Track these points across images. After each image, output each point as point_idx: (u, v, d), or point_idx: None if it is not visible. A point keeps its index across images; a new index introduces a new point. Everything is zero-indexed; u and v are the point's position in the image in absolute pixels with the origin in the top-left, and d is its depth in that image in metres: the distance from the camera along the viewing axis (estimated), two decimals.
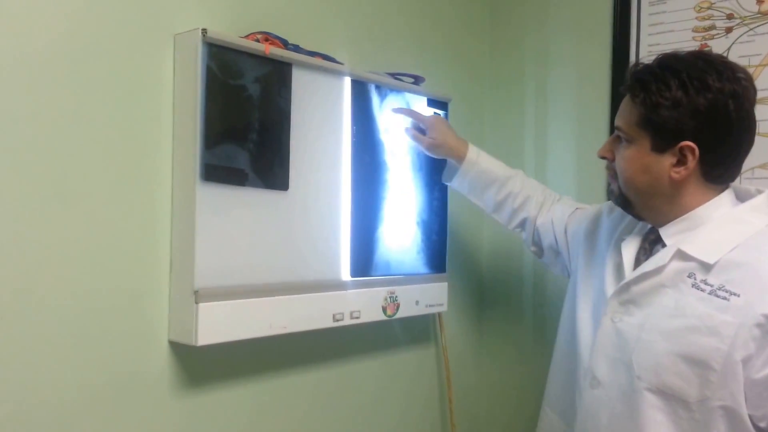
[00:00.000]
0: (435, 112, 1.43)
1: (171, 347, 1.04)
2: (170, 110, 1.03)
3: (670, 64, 0.98)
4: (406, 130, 1.35)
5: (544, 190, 1.36)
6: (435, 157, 1.36)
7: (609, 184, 1.09)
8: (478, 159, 1.32)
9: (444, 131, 1.33)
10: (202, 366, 1.08)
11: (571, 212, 1.29)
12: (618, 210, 1.16)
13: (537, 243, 1.34)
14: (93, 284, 0.95)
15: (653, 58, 1.03)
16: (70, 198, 0.93)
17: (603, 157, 1.08)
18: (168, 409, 1.04)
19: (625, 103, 1.03)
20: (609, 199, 1.12)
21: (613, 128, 1.48)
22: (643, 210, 1.05)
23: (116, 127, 0.97)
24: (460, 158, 1.32)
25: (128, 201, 0.99)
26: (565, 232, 1.28)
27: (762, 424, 0.90)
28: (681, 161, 0.97)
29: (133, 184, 0.99)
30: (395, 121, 1.33)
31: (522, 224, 1.34)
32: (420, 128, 1.35)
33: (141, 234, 1.00)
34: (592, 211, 1.25)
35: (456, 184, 1.35)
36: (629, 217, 1.13)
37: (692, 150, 0.95)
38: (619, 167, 1.04)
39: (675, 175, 0.98)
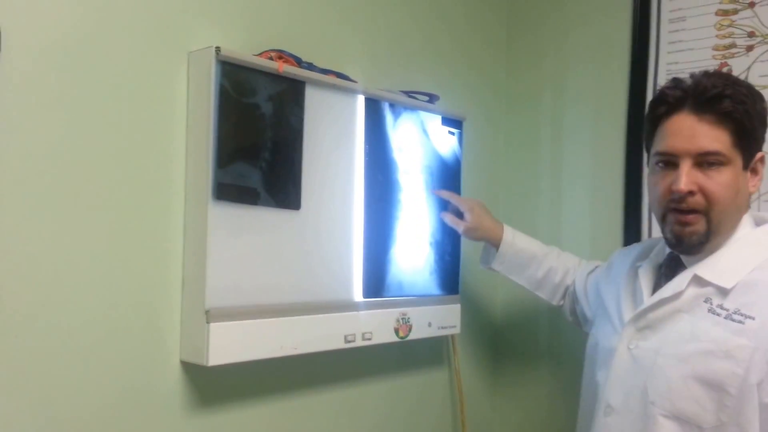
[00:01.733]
0: (449, 132, 1.41)
1: (182, 367, 1.03)
2: (183, 128, 1.03)
3: (729, 78, 0.96)
4: (443, 214, 1.35)
5: (581, 262, 1.35)
6: (472, 240, 1.37)
7: (689, 224, 0.95)
8: (514, 239, 1.32)
9: (481, 214, 1.34)
10: (214, 386, 1.07)
11: (591, 270, 1.29)
12: (629, 247, 1.18)
13: (572, 312, 1.34)
14: (105, 303, 0.95)
15: (692, 77, 0.97)
16: (82, 216, 0.92)
17: (689, 192, 0.94)
18: (179, 429, 1.03)
19: (705, 125, 0.94)
20: (684, 240, 0.98)
21: (630, 147, 1.48)
22: (713, 242, 0.97)
23: (129, 144, 0.97)
24: (497, 240, 1.32)
25: (140, 219, 0.98)
26: (585, 291, 1.27)
27: None
28: (754, 173, 0.98)
29: (146, 203, 0.99)
30: (408, 139, 1.32)
31: (564, 297, 1.35)
32: (457, 211, 1.35)
33: (153, 253, 1.00)
34: (606, 263, 1.26)
35: (496, 266, 1.34)
36: (639, 248, 1.13)
37: (762, 160, 0.97)
38: (716, 195, 0.94)
39: (753, 189, 0.98)
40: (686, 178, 0.94)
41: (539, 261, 1.32)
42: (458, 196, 1.38)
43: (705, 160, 0.94)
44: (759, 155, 0.97)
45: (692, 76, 0.98)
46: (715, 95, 0.93)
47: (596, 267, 1.29)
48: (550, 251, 1.35)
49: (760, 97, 0.96)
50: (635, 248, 1.17)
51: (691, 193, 0.94)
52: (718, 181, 0.94)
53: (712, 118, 0.93)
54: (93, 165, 0.93)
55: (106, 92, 0.94)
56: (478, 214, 1.33)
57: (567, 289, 1.33)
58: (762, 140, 0.96)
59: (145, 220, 0.99)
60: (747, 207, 1.00)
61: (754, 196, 1.07)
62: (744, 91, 0.95)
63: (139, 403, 0.98)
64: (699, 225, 0.95)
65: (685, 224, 0.96)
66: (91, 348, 0.93)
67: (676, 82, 0.99)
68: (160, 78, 1.00)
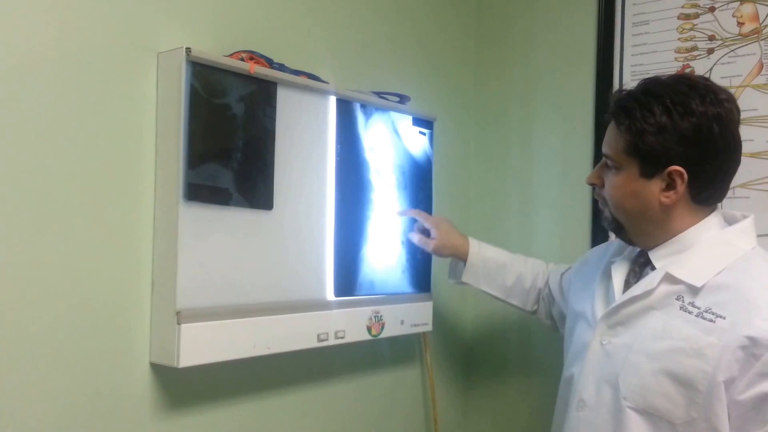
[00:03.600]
0: (420, 132, 1.43)
1: (152, 369, 1.02)
2: (153, 129, 1.03)
3: (653, 89, 0.98)
4: (411, 235, 1.36)
5: (548, 264, 1.38)
6: (442, 257, 1.37)
7: (602, 211, 1.09)
8: (480, 249, 1.34)
9: (448, 229, 1.34)
10: (185, 388, 1.07)
11: (564, 270, 1.32)
12: (606, 243, 1.20)
13: (548, 315, 1.35)
14: (72, 304, 0.94)
15: (636, 83, 1.03)
16: (50, 217, 0.91)
17: (592, 184, 1.09)
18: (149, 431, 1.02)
19: (611, 131, 1.03)
20: (602, 223, 1.13)
21: (597, 148, 1.52)
22: (635, 234, 1.05)
23: (98, 145, 0.96)
24: (465, 254, 1.33)
25: (109, 221, 0.98)
26: (562, 290, 1.29)
27: None
28: (670, 185, 0.97)
29: (115, 204, 0.98)
30: (380, 139, 1.33)
31: (537, 302, 1.36)
32: (424, 229, 1.36)
33: (122, 254, 0.99)
34: (582, 258, 1.28)
35: (466, 278, 1.34)
36: (616, 244, 1.15)
37: (681, 174, 0.96)
38: (609, 194, 1.04)
39: (665, 200, 0.98)
40: (592, 173, 1.09)
41: (508, 268, 1.34)
42: (424, 213, 1.38)
43: (605, 162, 1.05)
44: (671, 169, 0.96)
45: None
46: (617, 104, 1.01)
47: (569, 267, 1.31)
48: (517, 258, 1.37)
49: (687, 114, 0.94)
50: (612, 244, 1.18)
51: (593, 185, 1.09)
52: (609, 182, 1.04)
53: (614, 124, 1.02)
54: (61, 166, 0.92)
55: (74, 93, 0.93)
56: (445, 230, 1.34)
57: (539, 293, 1.35)
58: (676, 155, 0.95)
59: (114, 221, 0.98)
60: (666, 215, 0.99)
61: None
62: (655, 108, 0.95)
63: (108, 406, 0.97)
64: (606, 213, 1.07)
65: (600, 211, 1.10)
66: (59, 350, 0.92)
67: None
68: (129, 79, 1.00)
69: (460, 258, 1.34)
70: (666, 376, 0.94)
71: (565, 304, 1.28)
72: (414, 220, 1.37)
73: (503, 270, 1.34)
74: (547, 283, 1.34)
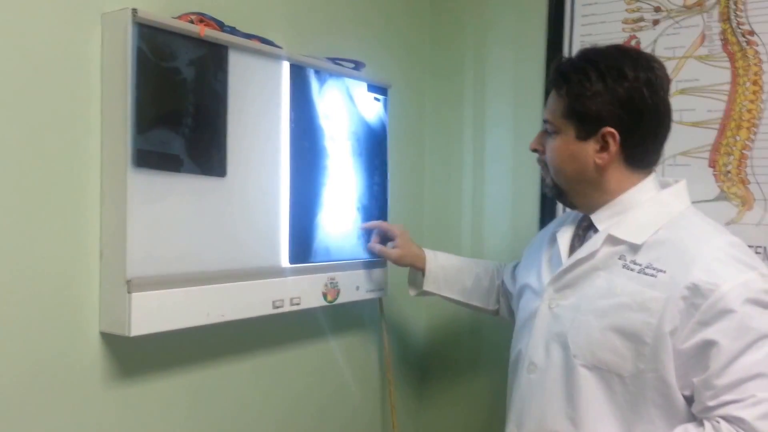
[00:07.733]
0: (375, 98, 1.43)
1: (103, 338, 1.01)
2: (98, 93, 0.99)
3: (589, 56, 1.05)
4: (371, 246, 1.38)
5: (499, 263, 1.42)
6: (401, 266, 1.40)
7: (543, 178, 1.14)
8: (437, 257, 1.38)
9: (408, 239, 1.38)
10: (137, 356, 1.06)
11: (515, 264, 1.35)
12: (547, 225, 1.24)
13: (510, 311, 1.37)
14: (19, 274, 0.91)
15: (576, 52, 1.09)
16: None
17: (534, 150, 1.13)
18: (100, 401, 1.01)
19: (551, 97, 1.08)
20: (543, 190, 1.18)
21: None
22: (575, 197, 1.10)
23: (41, 111, 0.93)
24: (422, 263, 1.37)
25: (55, 188, 0.94)
26: (514, 281, 1.32)
27: (685, 393, 0.96)
28: (603, 147, 1.03)
29: (61, 171, 0.95)
30: (334, 106, 1.33)
31: (497, 300, 1.39)
32: (383, 238, 1.38)
33: (69, 222, 0.96)
34: (528, 245, 1.31)
35: (428, 287, 1.38)
36: (559, 219, 1.20)
37: (613, 135, 1.01)
38: (549, 158, 1.09)
39: (599, 161, 1.03)
40: (534, 139, 1.13)
41: (464, 271, 1.39)
42: (386, 223, 1.41)
43: (546, 128, 1.09)
44: (604, 130, 1.01)
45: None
46: (556, 71, 1.07)
47: (519, 261, 1.34)
48: (470, 261, 1.42)
49: (619, 79, 0.99)
50: (553, 222, 1.24)
51: (536, 151, 1.13)
52: (549, 146, 1.09)
53: (554, 91, 1.07)
54: (2, 133, 0.88)
55: (13, 55, 0.89)
56: (406, 239, 1.38)
57: (498, 290, 1.39)
58: (609, 117, 1.00)
59: (60, 188, 0.95)
60: (601, 177, 1.04)
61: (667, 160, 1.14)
62: (591, 73, 1.00)
63: (58, 376, 0.96)
64: (547, 179, 1.12)
65: (542, 178, 1.14)
66: (6, 320, 0.90)
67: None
68: (71, 41, 0.95)
69: (417, 268, 1.38)
70: (613, 332, 0.99)
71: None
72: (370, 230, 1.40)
73: (461, 274, 1.38)
74: (502, 279, 1.38)
